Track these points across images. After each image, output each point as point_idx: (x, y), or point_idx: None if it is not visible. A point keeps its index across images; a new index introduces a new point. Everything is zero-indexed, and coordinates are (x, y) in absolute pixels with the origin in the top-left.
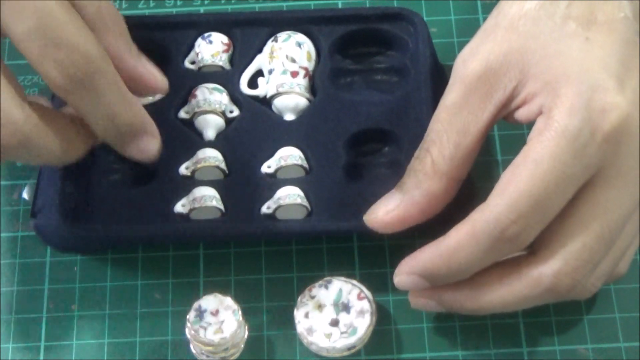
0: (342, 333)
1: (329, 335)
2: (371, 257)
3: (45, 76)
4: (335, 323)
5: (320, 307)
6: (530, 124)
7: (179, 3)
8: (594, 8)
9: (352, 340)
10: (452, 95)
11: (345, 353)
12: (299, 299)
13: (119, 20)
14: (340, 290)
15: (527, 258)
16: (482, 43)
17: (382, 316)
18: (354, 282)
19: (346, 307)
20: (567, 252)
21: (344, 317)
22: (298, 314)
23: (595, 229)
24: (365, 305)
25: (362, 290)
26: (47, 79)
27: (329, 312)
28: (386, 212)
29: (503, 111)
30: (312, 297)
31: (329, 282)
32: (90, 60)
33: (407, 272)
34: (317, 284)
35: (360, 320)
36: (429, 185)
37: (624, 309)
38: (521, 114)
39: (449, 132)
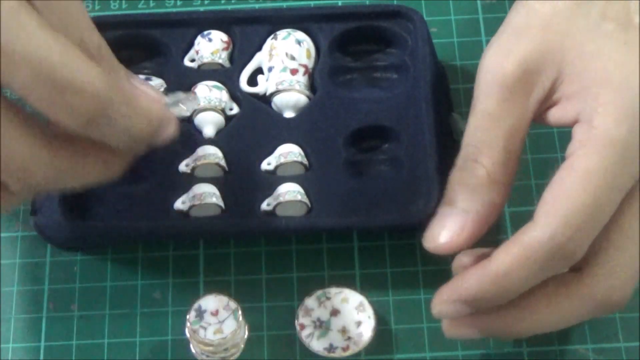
0: (342, 348)
1: (328, 349)
2: (371, 257)
3: (57, 122)
4: (335, 336)
5: (319, 320)
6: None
7: (178, 3)
8: (630, 10)
9: (352, 350)
10: (490, 100)
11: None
12: (298, 310)
13: (107, 47)
14: (341, 302)
15: (574, 275)
16: (515, 43)
17: (382, 316)
18: (355, 292)
19: (346, 320)
20: (616, 266)
21: (345, 330)
22: (298, 323)
23: None
24: (365, 317)
25: (362, 303)
26: (60, 124)
27: (329, 325)
28: (454, 234)
29: (539, 109)
30: (312, 310)
31: (328, 293)
32: (100, 97)
33: (450, 300)
34: (314, 295)
35: (361, 331)
36: (490, 197)
37: (624, 309)
38: (553, 115)
39: (497, 139)
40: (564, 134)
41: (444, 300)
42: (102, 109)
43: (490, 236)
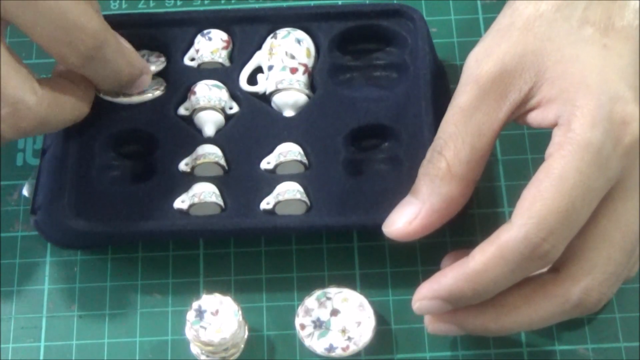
0: (342, 348)
1: (329, 349)
2: (371, 257)
3: (58, 57)
4: (335, 336)
5: (319, 320)
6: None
7: (178, 3)
8: (611, 13)
9: (352, 350)
10: (465, 96)
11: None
12: (298, 310)
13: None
14: (341, 302)
15: (552, 276)
16: (497, 43)
17: (382, 316)
18: (355, 292)
19: (346, 320)
20: (592, 267)
21: (344, 330)
22: (298, 323)
23: (618, 240)
24: (365, 317)
25: (362, 303)
26: (60, 60)
27: (329, 325)
28: (406, 222)
29: (516, 112)
30: (312, 310)
31: (328, 293)
32: (98, 36)
33: (429, 296)
34: (314, 295)
35: (361, 331)
36: (447, 190)
37: (624, 309)
38: (534, 118)
39: (464, 135)
40: None
41: (423, 297)
42: (100, 47)
43: (483, 237)
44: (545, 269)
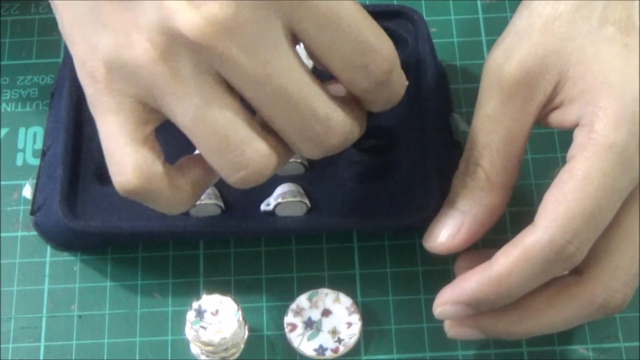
0: (331, 348)
1: (317, 350)
2: (371, 257)
3: (347, 82)
4: (325, 337)
5: (309, 320)
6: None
7: None
8: (631, 12)
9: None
10: (491, 103)
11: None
12: (289, 309)
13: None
14: (329, 303)
15: (575, 278)
16: (516, 46)
17: (383, 316)
18: (342, 295)
19: (334, 322)
20: (616, 268)
21: (333, 331)
22: (287, 321)
23: None
24: (356, 319)
25: (350, 307)
26: (348, 85)
27: (316, 325)
28: (450, 235)
29: (542, 113)
30: (301, 310)
31: (316, 294)
32: (392, 59)
33: (451, 301)
34: (304, 296)
35: (350, 332)
36: (488, 200)
37: (624, 309)
38: (555, 118)
39: (497, 143)
40: (564, 134)
41: (445, 302)
42: (391, 71)
43: (489, 235)
44: (567, 272)
